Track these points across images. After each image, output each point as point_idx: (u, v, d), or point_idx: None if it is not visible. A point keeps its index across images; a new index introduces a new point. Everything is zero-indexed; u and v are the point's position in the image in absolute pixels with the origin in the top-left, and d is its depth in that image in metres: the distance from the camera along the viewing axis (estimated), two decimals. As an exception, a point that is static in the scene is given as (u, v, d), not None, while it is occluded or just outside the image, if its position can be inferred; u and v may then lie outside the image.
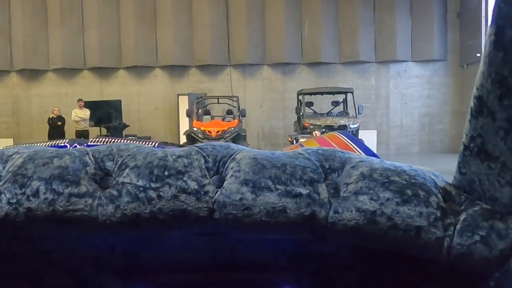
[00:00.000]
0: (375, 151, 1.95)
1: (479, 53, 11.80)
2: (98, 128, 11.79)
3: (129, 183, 0.57)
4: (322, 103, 11.64)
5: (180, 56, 12.79)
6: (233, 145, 0.63)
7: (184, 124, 11.54)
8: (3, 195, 0.57)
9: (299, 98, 11.30)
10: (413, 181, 0.55)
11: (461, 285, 0.55)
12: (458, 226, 0.53)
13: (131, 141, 1.66)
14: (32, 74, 12.94)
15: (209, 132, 9.74)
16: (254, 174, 0.57)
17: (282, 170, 0.57)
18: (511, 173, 0.50)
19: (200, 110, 11.04)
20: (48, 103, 12.39)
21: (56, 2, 12.62)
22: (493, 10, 0.46)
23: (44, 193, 0.56)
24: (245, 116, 10.73)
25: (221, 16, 12.80)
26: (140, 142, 1.66)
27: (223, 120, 10.74)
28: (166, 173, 0.57)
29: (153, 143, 1.64)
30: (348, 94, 11.21)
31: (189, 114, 10.62)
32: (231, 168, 0.59)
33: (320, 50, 12.83)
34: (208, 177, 0.58)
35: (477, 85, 0.52)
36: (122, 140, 1.62)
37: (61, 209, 0.56)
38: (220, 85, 13.05)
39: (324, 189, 0.56)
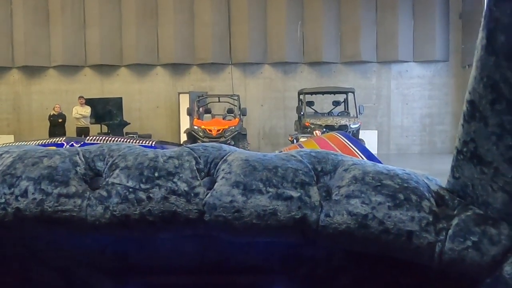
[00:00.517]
0: (375, 152, 1.95)
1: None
2: (99, 125, 11.80)
3: (119, 184, 0.56)
4: (323, 103, 11.63)
5: (181, 54, 12.78)
6: (225, 147, 0.63)
7: (185, 123, 11.54)
8: None
9: (300, 97, 11.29)
10: (406, 185, 0.55)
11: None
12: (450, 231, 0.52)
13: (130, 140, 1.66)
14: (33, 71, 12.95)
15: (210, 130, 9.74)
16: (245, 176, 0.56)
17: (274, 173, 0.56)
18: (503, 178, 0.49)
19: (201, 109, 11.04)
20: (49, 100, 12.39)
21: (58, -1, 12.61)
22: (484, 14, 0.46)
23: (33, 193, 0.56)
24: (245, 115, 10.72)
25: (222, 14, 12.79)
26: (138, 142, 1.66)
27: (223, 119, 10.74)
28: (156, 174, 0.56)
29: (150, 142, 1.64)
30: (349, 94, 11.19)
31: (190, 113, 10.62)
32: (222, 170, 0.58)
33: (322, 49, 12.81)
34: (198, 178, 0.57)
35: (469, 89, 0.52)
36: (121, 139, 1.61)
37: (49, 209, 0.55)
38: (221, 83, 13.04)
39: (316, 192, 0.56)
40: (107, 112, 11.85)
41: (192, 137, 9.82)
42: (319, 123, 10.14)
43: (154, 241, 0.68)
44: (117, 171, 0.58)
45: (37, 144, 1.61)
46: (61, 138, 1.48)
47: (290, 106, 12.49)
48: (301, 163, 0.59)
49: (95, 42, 12.70)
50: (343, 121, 10.36)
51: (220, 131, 9.74)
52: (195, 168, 0.58)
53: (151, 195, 0.55)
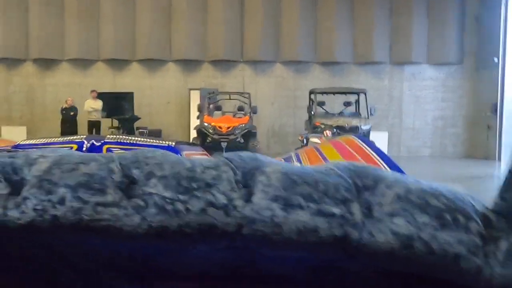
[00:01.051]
0: (385, 153, 1.91)
1: (496, 57, 11.59)
2: (110, 119, 11.88)
3: (156, 194, 0.55)
4: (334, 103, 11.56)
5: (193, 51, 12.80)
6: (261, 157, 0.61)
7: (195, 119, 11.57)
8: (28, 200, 0.55)
9: (311, 97, 11.24)
10: (452, 205, 0.53)
11: None
12: (499, 255, 0.51)
13: (151, 140, 1.66)
14: (47, 63, 13.08)
15: (220, 127, 9.76)
16: (285, 190, 0.55)
17: (314, 188, 0.55)
18: None
19: (211, 106, 11.04)
20: (62, 93, 12.51)
21: (73, -7, 12.72)
22: None
23: (71, 201, 0.55)
24: (256, 113, 10.71)
25: (235, 12, 12.77)
26: (158, 141, 1.66)
27: (234, 116, 10.74)
28: (194, 185, 0.55)
29: (171, 143, 1.64)
30: (361, 94, 11.10)
31: (200, 109, 10.63)
32: (261, 182, 0.57)
33: (334, 49, 12.73)
34: (236, 190, 0.56)
35: None
36: (141, 139, 1.62)
37: (87, 218, 0.55)
38: (232, 80, 13.04)
39: (358, 208, 0.54)
40: (118, 107, 11.93)
41: (202, 134, 9.84)
42: (329, 123, 10.07)
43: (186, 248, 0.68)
44: (154, 180, 0.57)
45: (57, 140, 1.63)
46: (81, 136, 1.50)
47: (300, 105, 12.45)
48: (341, 178, 0.57)
49: (109, 36, 12.79)
50: (354, 122, 10.28)
51: (230, 129, 9.75)
52: (232, 179, 0.57)
53: (189, 206, 0.54)
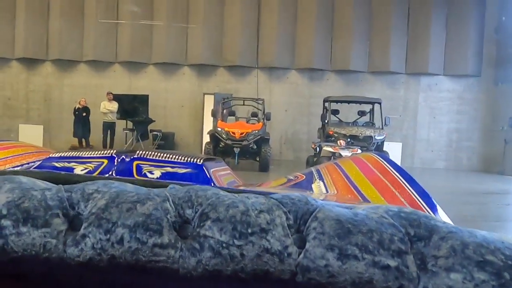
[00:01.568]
0: (398, 164, 1.88)
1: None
2: (124, 121, 12.01)
3: (211, 237, 0.56)
4: (349, 112, 11.50)
5: (208, 56, 12.89)
6: (311, 199, 0.62)
7: (208, 123, 11.62)
8: (88, 238, 0.57)
9: (325, 105, 11.18)
10: (510, 262, 0.52)
11: None
12: None
13: (179, 156, 1.66)
14: (66, 64, 13.31)
15: (233, 133, 9.77)
16: (340, 239, 0.55)
17: (369, 237, 0.55)
18: None
19: (225, 111, 11.07)
20: (79, 94, 12.71)
21: (93, -5, 12.95)
22: None
23: (129, 241, 0.56)
24: (269, 120, 10.69)
25: (252, 18, 12.84)
26: (186, 158, 1.67)
27: (247, 122, 10.74)
28: (249, 230, 0.56)
29: (198, 160, 1.65)
30: (376, 104, 11.01)
31: (214, 114, 10.67)
32: (314, 229, 0.57)
33: (350, 57, 12.69)
34: (290, 236, 0.56)
35: None
36: (172, 156, 1.62)
37: (144, 259, 0.56)
38: (246, 86, 13.08)
39: (412, 261, 0.54)
40: (133, 109, 12.05)
41: (215, 138, 9.87)
42: (343, 132, 10.00)
43: None
44: (208, 222, 0.57)
45: (89, 155, 1.65)
46: (111, 151, 1.51)
47: (314, 113, 12.41)
48: (394, 227, 0.57)
49: (126, 39, 12.97)
50: (368, 132, 10.19)
51: (243, 135, 9.75)
52: (286, 224, 0.57)
53: (244, 252, 0.55)
